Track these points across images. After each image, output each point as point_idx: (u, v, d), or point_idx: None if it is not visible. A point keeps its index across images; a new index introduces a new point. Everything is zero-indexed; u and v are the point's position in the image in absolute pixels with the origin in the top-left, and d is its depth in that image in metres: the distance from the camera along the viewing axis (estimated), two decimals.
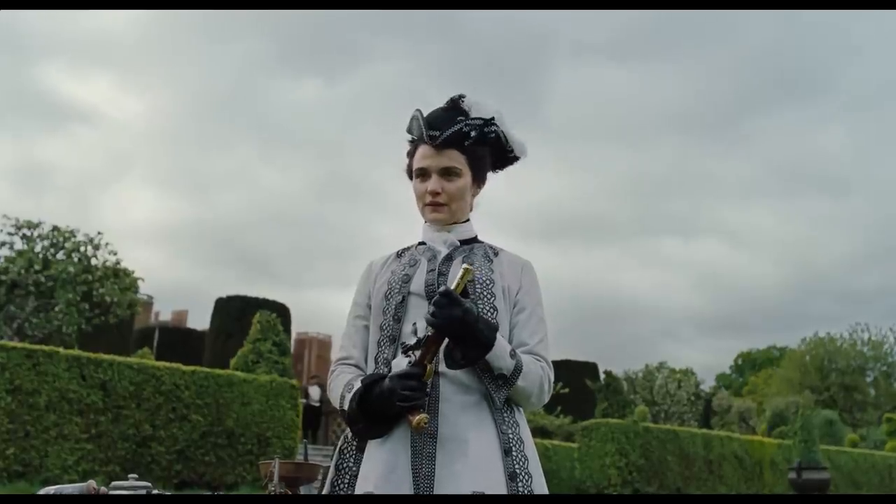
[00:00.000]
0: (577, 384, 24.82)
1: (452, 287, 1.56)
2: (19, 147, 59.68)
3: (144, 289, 22.70)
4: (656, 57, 71.44)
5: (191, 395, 10.55)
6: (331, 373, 1.80)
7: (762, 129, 70.51)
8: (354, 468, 1.63)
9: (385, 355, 1.69)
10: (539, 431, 22.35)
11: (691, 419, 28.68)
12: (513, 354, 1.63)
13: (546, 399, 1.71)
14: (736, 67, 70.04)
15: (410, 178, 1.84)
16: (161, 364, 10.74)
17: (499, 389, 1.61)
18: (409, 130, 1.82)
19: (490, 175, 1.89)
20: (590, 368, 30.37)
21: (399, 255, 1.86)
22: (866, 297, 66.52)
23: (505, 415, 1.63)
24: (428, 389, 1.56)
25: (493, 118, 1.79)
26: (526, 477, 1.58)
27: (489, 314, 1.67)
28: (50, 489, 1.98)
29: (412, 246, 1.86)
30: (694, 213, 71.27)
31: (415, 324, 1.66)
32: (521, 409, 1.69)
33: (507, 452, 1.58)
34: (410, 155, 1.83)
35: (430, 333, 1.56)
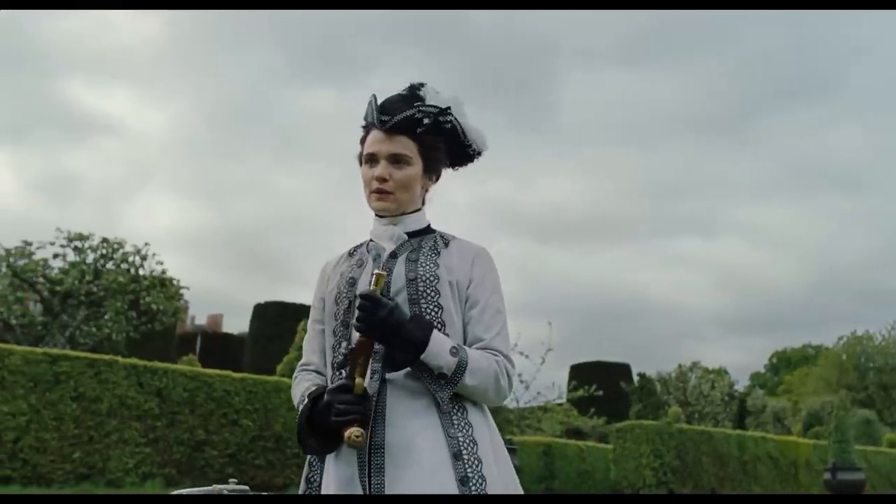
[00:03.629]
0: (610, 385, 25.00)
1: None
2: (46, 159, 61.52)
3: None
4: (664, 60, 71.57)
5: (241, 401, 11.05)
6: (293, 379, 1.76)
7: (774, 129, 70.40)
8: (318, 480, 1.62)
9: (339, 361, 1.64)
10: (573, 432, 22.59)
11: (725, 419, 28.64)
12: (454, 351, 1.54)
13: (507, 394, 1.62)
14: (744, 68, 69.96)
15: (361, 164, 1.76)
16: (212, 371, 11.25)
17: (441, 389, 1.53)
18: (364, 116, 1.75)
19: (450, 172, 1.81)
20: (622, 369, 30.49)
21: (351, 253, 1.79)
22: (892, 296, 65.68)
23: (454, 417, 1.55)
24: (373, 400, 1.53)
25: (448, 108, 1.70)
26: (479, 481, 1.51)
27: (433, 313, 1.60)
28: (181, 491, 2.02)
29: (364, 243, 1.79)
30: (710, 212, 71.20)
31: (347, 340, 1.61)
32: (480, 407, 1.62)
33: (456, 456, 1.52)
34: (363, 141, 1.76)
35: (353, 345, 1.52)
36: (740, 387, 37.21)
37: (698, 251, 74.33)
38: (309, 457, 1.65)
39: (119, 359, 10.40)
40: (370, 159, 1.71)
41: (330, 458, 1.58)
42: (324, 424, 1.52)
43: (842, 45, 75.52)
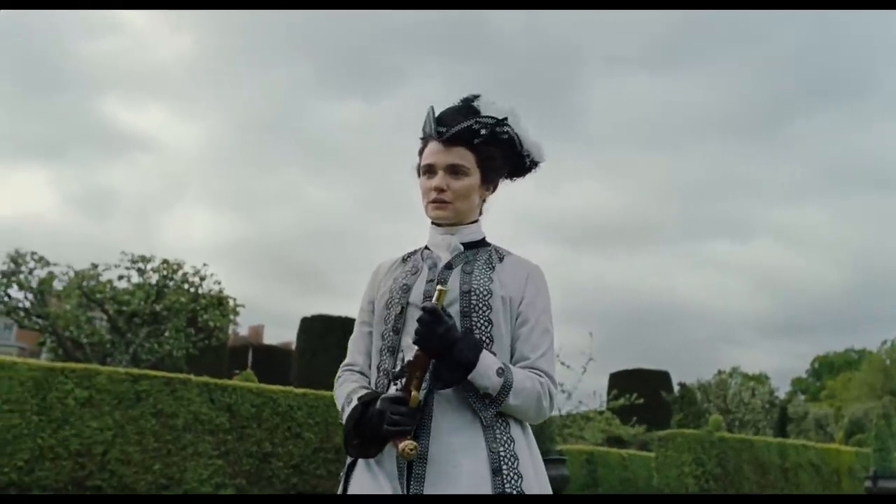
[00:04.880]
0: (650, 393, 25.32)
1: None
2: (84, 175, 64.04)
3: None
4: (691, 63, 71.89)
5: (303, 415, 11.78)
6: (336, 378, 1.80)
7: (805, 130, 70.14)
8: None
9: (386, 365, 1.68)
10: (615, 441, 22.98)
11: (766, 427, 28.71)
12: (500, 372, 1.58)
13: (547, 413, 1.66)
14: (774, 70, 69.75)
15: (419, 175, 1.79)
16: (276, 388, 12.00)
17: (485, 408, 1.57)
18: (423, 128, 1.78)
19: (508, 183, 1.84)
20: (662, 377, 30.72)
21: (405, 259, 1.82)
22: None
23: (497, 432, 1.59)
24: (419, 414, 1.55)
25: (505, 119, 1.73)
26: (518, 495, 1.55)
27: (483, 327, 1.63)
28: None
29: (419, 250, 1.82)
30: (743, 215, 70.96)
31: (402, 351, 1.65)
32: (520, 421, 1.65)
33: (496, 472, 1.54)
34: (421, 152, 1.79)
35: (411, 359, 1.55)
36: (782, 392, 37.12)
37: (732, 254, 74.16)
38: (345, 472, 1.68)
39: (192, 377, 11.20)
40: (428, 170, 1.75)
41: (369, 462, 1.61)
42: (373, 431, 1.55)
43: (872, 43, 74.83)
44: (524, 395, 1.60)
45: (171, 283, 17.24)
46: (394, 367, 1.66)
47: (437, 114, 1.75)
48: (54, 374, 10.17)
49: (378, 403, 1.56)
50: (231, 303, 18.33)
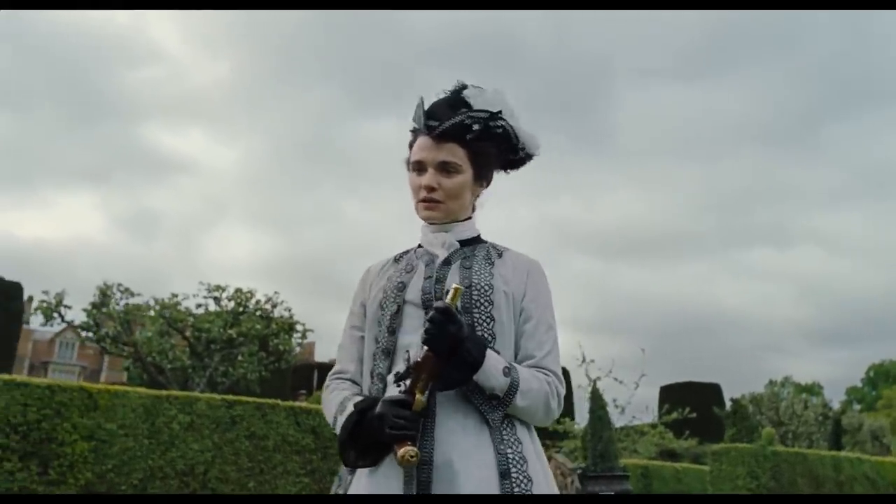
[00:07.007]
0: (700, 406, 25.63)
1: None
2: (129, 198, 66.46)
3: None
4: (722, 72, 71.38)
5: None
6: (325, 388, 1.69)
7: (842, 134, 68.92)
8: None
9: (380, 370, 1.58)
10: (668, 454, 23.40)
11: (820, 439, 28.68)
12: (507, 371, 1.50)
13: (555, 414, 1.57)
14: (807, 75, 68.80)
15: (409, 170, 1.69)
16: None
17: (493, 410, 1.50)
18: (413, 119, 1.68)
19: (503, 175, 1.76)
20: (712, 390, 30.95)
21: (397, 259, 1.73)
22: None
23: (504, 433, 1.50)
24: (422, 418, 1.46)
25: (500, 112, 1.63)
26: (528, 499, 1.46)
27: (485, 324, 1.55)
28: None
29: (411, 249, 1.73)
30: (783, 222, 70.06)
31: (407, 351, 1.53)
32: (526, 424, 1.56)
33: (503, 475, 1.46)
34: (411, 146, 1.70)
35: (418, 359, 1.45)
36: (836, 403, 36.83)
37: (774, 262, 73.24)
38: (340, 472, 1.62)
39: (280, 402, 12.22)
40: (418, 166, 1.65)
41: (364, 472, 1.51)
42: (376, 436, 1.44)
43: None
44: (531, 395, 1.52)
45: (245, 311, 18.33)
46: (389, 371, 1.56)
47: (427, 105, 1.67)
48: (160, 401, 11.26)
49: (378, 407, 1.45)
50: (301, 328, 19.38)
